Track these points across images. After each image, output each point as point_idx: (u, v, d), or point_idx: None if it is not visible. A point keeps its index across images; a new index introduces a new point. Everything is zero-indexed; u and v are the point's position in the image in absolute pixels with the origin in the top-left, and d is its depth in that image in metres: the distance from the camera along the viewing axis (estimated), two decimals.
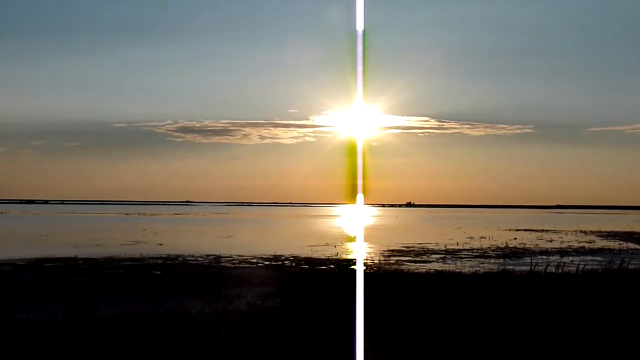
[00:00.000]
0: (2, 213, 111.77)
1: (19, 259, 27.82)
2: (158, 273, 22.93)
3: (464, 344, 9.13)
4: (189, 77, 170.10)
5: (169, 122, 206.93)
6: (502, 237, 49.43)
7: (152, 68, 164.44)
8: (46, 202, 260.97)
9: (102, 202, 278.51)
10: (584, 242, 45.29)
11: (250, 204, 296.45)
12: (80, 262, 27.29)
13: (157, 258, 29.16)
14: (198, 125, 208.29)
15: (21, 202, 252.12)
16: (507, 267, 25.45)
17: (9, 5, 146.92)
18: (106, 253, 31.74)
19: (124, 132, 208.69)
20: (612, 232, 61.07)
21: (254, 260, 28.54)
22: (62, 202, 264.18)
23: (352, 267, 25.51)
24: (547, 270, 18.11)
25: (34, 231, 54.18)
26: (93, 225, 70.13)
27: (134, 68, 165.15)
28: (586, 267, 20.11)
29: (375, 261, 28.38)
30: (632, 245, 41.91)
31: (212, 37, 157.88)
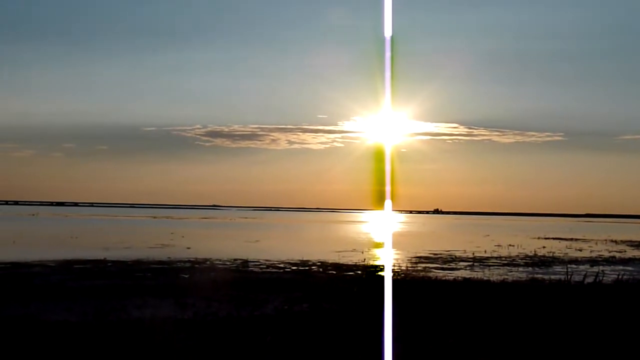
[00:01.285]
0: (33, 215, 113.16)
1: (49, 261, 28.13)
2: (186, 276, 23.04)
3: (495, 353, 9.06)
4: (219, 81, 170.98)
5: (198, 126, 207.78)
6: (530, 246, 48.97)
7: (182, 72, 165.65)
8: (76, 204, 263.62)
9: (131, 205, 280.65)
10: (614, 251, 44.72)
11: (277, 209, 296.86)
12: (109, 264, 27.52)
13: (184, 261, 29.30)
14: (227, 129, 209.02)
15: (51, 204, 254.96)
16: (536, 275, 25.21)
17: (42, 9, 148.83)
18: (134, 256, 31.96)
19: (153, 136, 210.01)
20: None
21: (281, 265, 28.56)
22: (92, 205, 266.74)
23: (380, 273, 25.44)
24: (578, 280, 17.90)
25: (64, 233, 54.78)
26: (122, 228, 70.70)
27: (164, 72, 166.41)
28: (618, 277, 19.84)
29: (402, 268, 28.26)
30: None
31: (242, 42, 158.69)
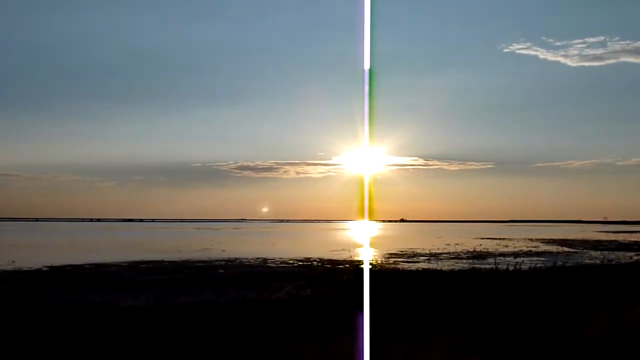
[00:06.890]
0: (111, 229, 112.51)
1: (122, 262, 27.92)
2: (222, 271, 22.88)
3: (445, 321, 8.97)
4: (246, 129, 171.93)
5: (231, 162, 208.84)
6: (471, 244, 48.78)
7: (220, 124, 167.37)
8: (142, 220, 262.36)
9: (182, 220, 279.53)
10: (531, 247, 44.55)
11: (288, 221, 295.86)
12: (166, 263, 27.32)
13: (220, 260, 29.11)
14: (252, 164, 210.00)
15: (124, 220, 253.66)
16: (475, 265, 25.06)
17: (133, 71, 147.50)
18: (184, 257, 31.76)
19: (199, 169, 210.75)
20: (552, 239, 60.04)
21: (291, 262, 28.38)
22: (154, 220, 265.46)
23: (362, 266, 25.28)
24: (504, 268, 17.79)
25: (133, 241, 54.44)
26: (175, 236, 70.30)
27: (207, 124, 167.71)
28: (534, 265, 19.74)
29: (378, 262, 28.10)
30: (566, 249, 41.16)
31: (262, 100, 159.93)
